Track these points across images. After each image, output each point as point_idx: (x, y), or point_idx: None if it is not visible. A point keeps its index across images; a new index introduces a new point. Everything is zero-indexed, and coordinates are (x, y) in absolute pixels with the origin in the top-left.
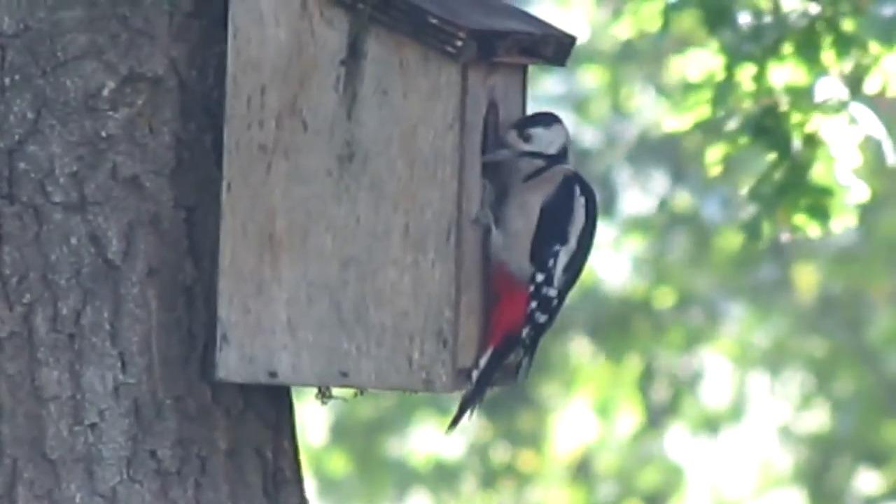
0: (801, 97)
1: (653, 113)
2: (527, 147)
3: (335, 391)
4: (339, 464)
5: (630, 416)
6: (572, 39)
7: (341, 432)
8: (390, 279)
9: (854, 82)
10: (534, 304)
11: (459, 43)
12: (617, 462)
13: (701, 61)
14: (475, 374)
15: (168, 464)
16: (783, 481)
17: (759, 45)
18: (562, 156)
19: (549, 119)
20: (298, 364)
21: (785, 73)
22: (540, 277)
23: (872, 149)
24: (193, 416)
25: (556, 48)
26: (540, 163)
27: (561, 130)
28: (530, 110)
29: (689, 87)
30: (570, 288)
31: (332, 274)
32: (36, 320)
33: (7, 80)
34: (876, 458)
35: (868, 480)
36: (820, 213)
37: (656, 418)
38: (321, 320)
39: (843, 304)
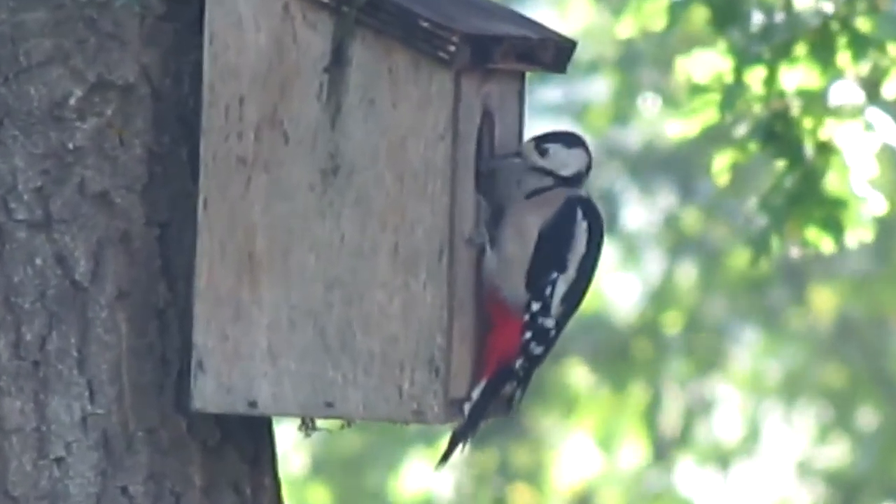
0: (815, 101)
1: (658, 121)
2: (540, 162)
3: (319, 422)
4: (320, 498)
5: (635, 449)
6: (573, 44)
7: (324, 464)
8: (378, 302)
9: (871, 86)
10: (528, 335)
11: (452, 48)
12: (621, 499)
13: (708, 63)
14: (467, 406)
15: (140, 501)
16: None
17: (770, 45)
18: (575, 181)
19: (572, 139)
20: (280, 393)
21: (797, 75)
22: (536, 307)
23: (890, 157)
24: (167, 450)
25: (555, 53)
26: (548, 182)
27: (581, 155)
28: (528, 119)
29: (695, 90)
30: (568, 318)
31: (315, 297)
32: None
33: None
34: None
35: None
36: (833, 226)
37: (663, 451)
38: (304, 346)
39: (863, 329)
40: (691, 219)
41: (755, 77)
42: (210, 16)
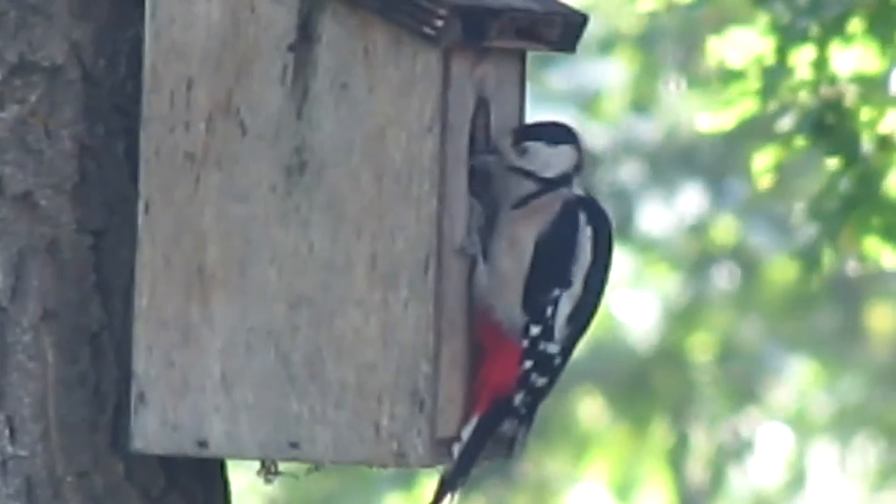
0: (873, 88)
1: (683, 110)
2: (518, 162)
3: (282, 466)
4: None
5: (658, 498)
6: (583, 19)
7: None
8: (352, 324)
9: None
10: (529, 364)
11: (440, 22)
12: None
13: (745, 43)
14: (457, 448)
15: None
16: None
17: (819, 21)
18: (560, 184)
19: (557, 134)
20: (235, 431)
21: (852, 57)
22: (535, 330)
23: None
24: (101, 498)
25: (562, 29)
26: (530, 186)
27: (568, 153)
28: (530, 107)
29: (729, 76)
30: (576, 343)
31: (277, 317)
32: None
33: None
34: None
35: None
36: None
37: (693, 500)
38: (264, 375)
39: None
40: (723, 224)
41: (802, 59)
42: None
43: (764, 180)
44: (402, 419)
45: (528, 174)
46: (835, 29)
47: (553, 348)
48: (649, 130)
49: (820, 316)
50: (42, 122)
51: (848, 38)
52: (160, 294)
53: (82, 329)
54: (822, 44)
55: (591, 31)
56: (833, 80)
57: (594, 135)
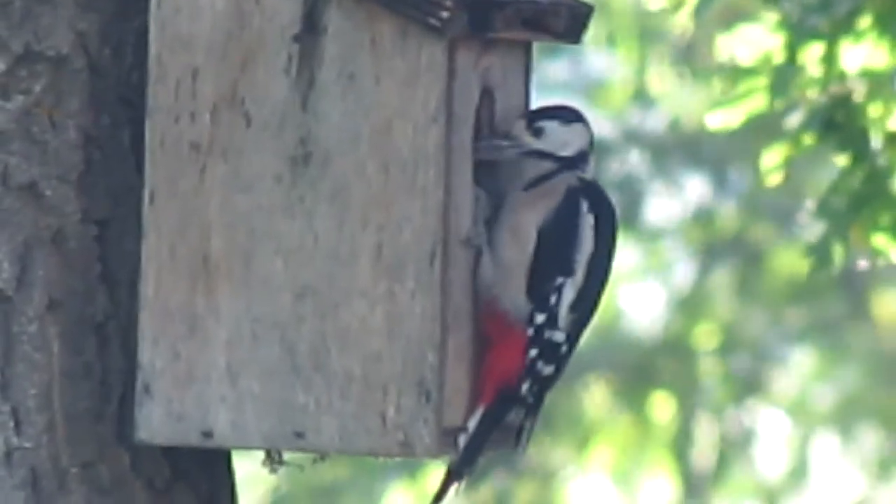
0: (882, 85)
1: (686, 100)
2: (535, 144)
3: (287, 456)
4: None
5: (661, 487)
6: (589, 9)
7: (290, 500)
8: (358, 314)
9: None
10: (534, 352)
11: (445, 14)
12: None
13: (754, 39)
14: (462, 439)
15: None
16: None
17: (829, 17)
18: (578, 162)
19: (569, 114)
20: (240, 421)
21: (861, 53)
22: (540, 318)
23: None
24: (107, 489)
25: (568, 20)
26: (549, 166)
27: (582, 131)
28: (535, 98)
29: (739, 73)
30: (582, 330)
31: (283, 308)
32: None
33: None
34: None
35: None
36: None
37: (696, 489)
38: (270, 366)
39: None
40: (727, 214)
41: (811, 56)
42: None
43: (773, 178)
44: (409, 410)
45: (546, 155)
46: (844, 26)
47: (558, 336)
48: (653, 121)
49: (824, 305)
50: (47, 112)
51: (857, 35)
52: (165, 285)
53: (87, 319)
54: (831, 41)
55: (595, 21)
56: (842, 77)
57: (599, 125)
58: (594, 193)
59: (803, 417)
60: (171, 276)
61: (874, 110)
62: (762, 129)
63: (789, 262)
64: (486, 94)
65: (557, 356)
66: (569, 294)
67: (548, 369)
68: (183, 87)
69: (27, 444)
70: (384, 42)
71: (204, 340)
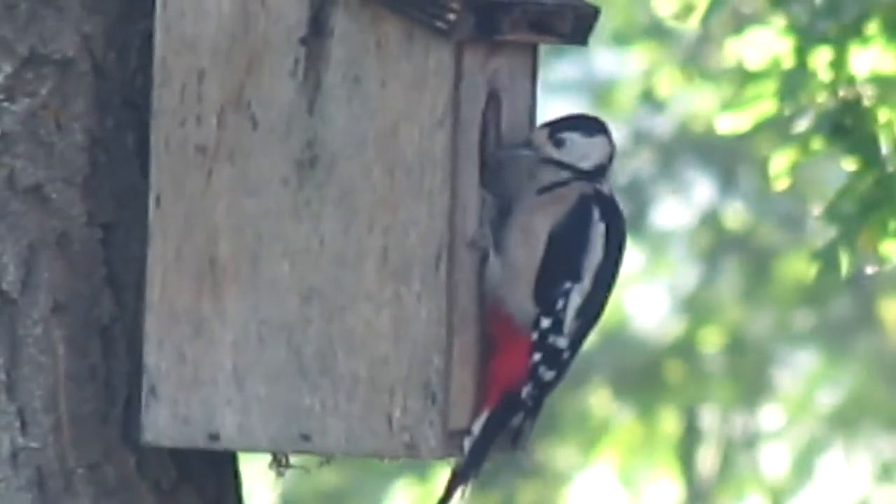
0: (891, 89)
1: (694, 103)
2: (556, 154)
3: (294, 458)
4: None
5: (667, 488)
6: (595, 11)
7: (296, 502)
8: (364, 317)
9: None
10: (538, 357)
11: (452, 16)
12: None
13: (763, 44)
14: (468, 442)
15: None
16: None
17: (838, 22)
18: (596, 175)
19: (592, 126)
20: (247, 424)
21: (870, 57)
22: (546, 323)
23: None
24: (113, 490)
25: (574, 22)
26: (566, 175)
27: (604, 144)
28: (542, 100)
29: (747, 77)
30: (584, 337)
31: (290, 310)
32: None
33: None
34: None
35: None
36: None
37: (701, 491)
38: (276, 369)
39: None
40: (734, 216)
41: (820, 60)
42: None
43: (781, 182)
44: (414, 412)
45: (566, 166)
46: (853, 30)
47: (562, 342)
48: (661, 123)
49: (830, 308)
50: (53, 115)
51: (866, 40)
52: (171, 287)
53: (93, 322)
54: (840, 45)
55: (603, 22)
56: (851, 81)
57: None
58: (606, 202)
59: (808, 420)
60: (177, 279)
61: (883, 115)
62: (771, 132)
63: (796, 265)
64: (493, 97)
65: (559, 362)
66: (575, 300)
67: (549, 374)
68: (188, 90)
69: (33, 445)
70: (390, 45)
71: (210, 343)
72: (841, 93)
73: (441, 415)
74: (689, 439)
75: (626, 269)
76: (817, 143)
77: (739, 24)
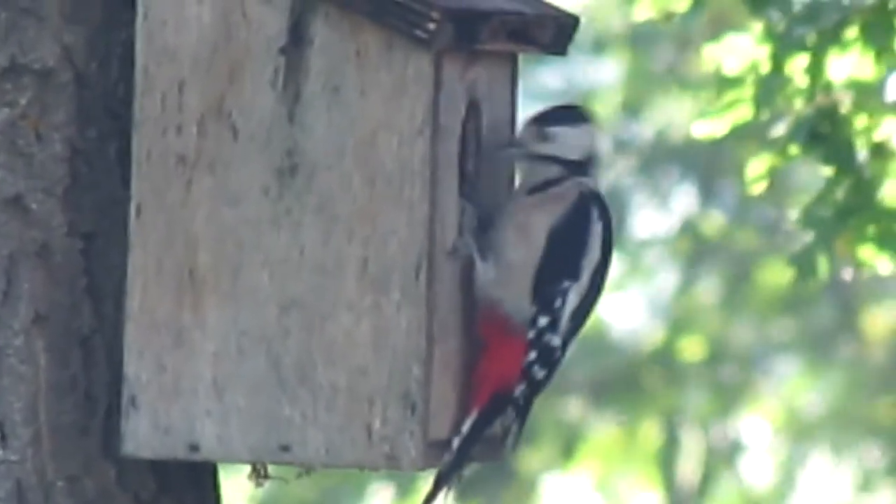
0: (868, 96)
1: (675, 111)
2: (544, 149)
3: (273, 469)
4: None
5: (646, 498)
6: (575, 21)
7: None
8: (344, 327)
9: None
10: (533, 355)
11: (431, 25)
12: None
13: (740, 49)
14: (456, 441)
15: None
16: None
17: (815, 28)
18: (585, 165)
19: (577, 116)
20: (226, 435)
21: (847, 64)
22: (543, 321)
23: None
24: (93, 502)
25: (554, 32)
26: (556, 170)
27: (590, 132)
28: (522, 108)
29: (725, 83)
30: (574, 337)
31: (269, 320)
32: None
33: None
34: None
35: None
36: (892, 242)
37: (681, 501)
38: (256, 379)
39: None
40: (714, 224)
41: (797, 66)
42: None
43: (758, 187)
44: (394, 422)
45: (554, 159)
46: (830, 37)
47: (556, 341)
48: (641, 131)
49: (811, 317)
50: (33, 125)
51: (843, 46)
52: (152, 297)
53: (73, 333)
54: (817, 51)
55: (583, 31)
56: (828, 88)
57: None
58: (602, 203)
59: (790, 429)
60: (158, 289)
61: (860, 121)
62: (750, 141)
63: (776, 273)
64: (473, 106)
65: (551, 361)
66: (573, 299)
67: (542, 373)
68: (169, 100)
69: (13, 457)
70: (370, 54)
71: (190, 353)
72: (818, 99)
73: (421, 425)
74: (670, 449)
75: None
76: (794, 149)
77: (718, 30)
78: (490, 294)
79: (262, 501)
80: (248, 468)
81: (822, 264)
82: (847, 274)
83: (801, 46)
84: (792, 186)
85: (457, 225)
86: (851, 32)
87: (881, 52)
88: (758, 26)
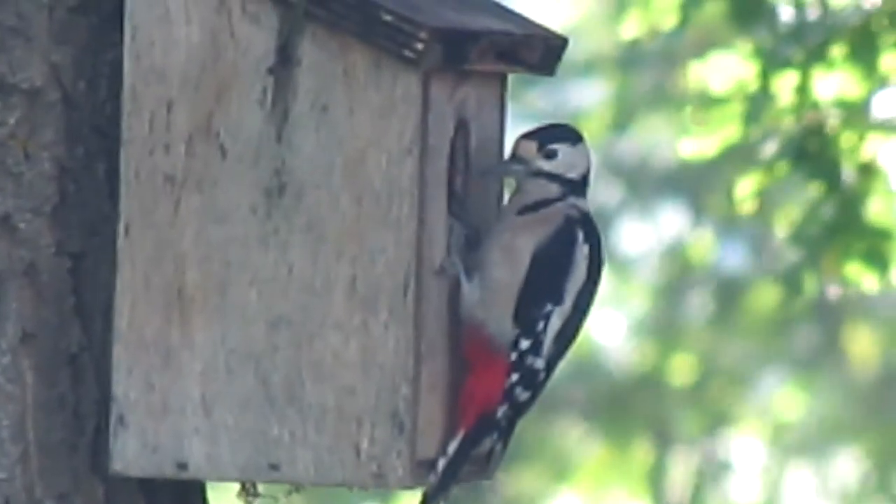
0: (855, 114)
1: (662, 131)
2: (547, 166)
3: (262, 487)
4: None
5: None
6: (563, 41)
7: None
8: (332, 346)
9: None
10: (515, 377)
11: (420, 45)
12: None
13: (728, 68)
14: (442, 462)
15: None
16: None
17: (802, 47)
18: (581, 184)
19: (574, 135)
20: (215, 454)
21: (834, 83)
22: (525, 344)
23: None
24: None
25: (542, 52)
26: (555, 189)
27: (585, 151)
28: (510, 129)
29: (712, 102)
30: (559, 360)
31: (257, 339)
32: None
33: None
34: None
35: None
36: (878, 260)
37: None
38: (244, 398)
39: None
40: (702, 245)
41: (784, 85)
42: (132, 7)
43: (747, 206)
44: (382, 441)
45: (555, 178)
46: (817, 55)
47: (539, 363)
48: (629, 151)
49: (799, 336)
50: (21, 144)
51: (830, 64)
52: (140, 316)
53: (61, 351)
54: (804, 70)
55: (571, 52)
56: (815, 106)
57: None
58: (589, 225)
59: (778, 449)
60: (146, 308)
61: (847, 139)
62: (739, 160)
63: (764, 293)
64: (461, 126)
65: (535, 383)
66: (556, 323)
67: (525, 395)
68: (157, 119)
69: (1, 476)
70: (358, 73)
71: (178, 372)
72: (805, 118)
73: (409, 444)
74: (659, 468)
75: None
76: (782, 168)
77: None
78: (475, 315)
79: None
80: (236, 486)
81: (809, 282)
82: (834, 292)
83: (788, 65)
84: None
85: (445, 244)
86: (838, 51)
87: (867, 70)
88: (744, 45)
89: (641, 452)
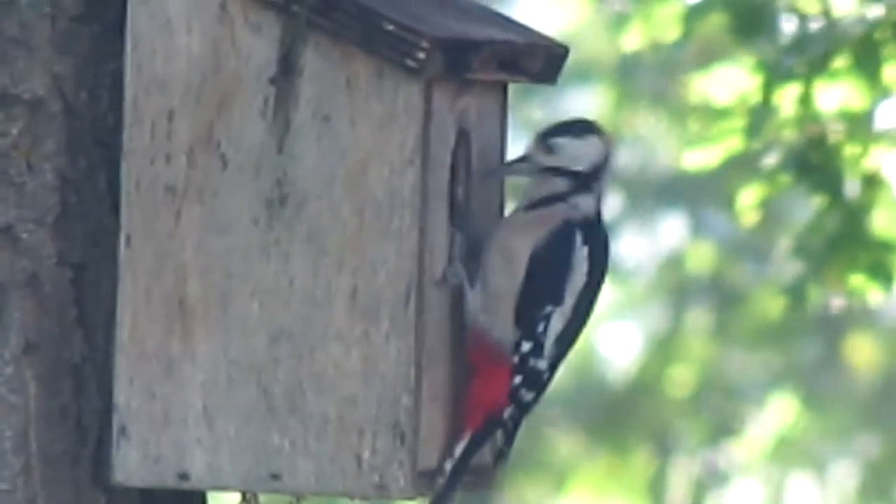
0: (858, 125)
1: (662, 140)
2: (549, 161)
3: (264, 498)
4: None
5: None
6: (565, 51)
7: None
8: (333, 357)
9: None
10: (518, 379)
11: (422, 55)
12: None
13: (730, 80)
14: (449, 464)
15: None
16: None
17: (805, 58)
18: (592, 177)
19: (583, 127)
20: (217, 464)
21: (837, 94)
22: (526, 346)
23: None
24: None
25: (544, 62)
26: (563, 183)
27: (597, 144)
28: (511, 138)
29: (715, 113)
30: (561, 361)
31: (259, 350)
32: None
33: None
34: None
35: None
36: (881, 272)
37: None
38: (246, 408)
39: None
40: (703, 255)
41: (787, 97)
42: (133, 17)
43: (749, 218)
44: (384, 452)
45: (559, 171)
46: (819, 67)
47: (542, 364)
48: (628, 160)
49: (800, 348)
50: (24, 155)
51: (832, 76)
52: (141, 327)
53: (64, 362)
54: (806, 81)
55: (571, 60)
56: (817, 118)
57: None
58: (591, 227)
59: (779, 460)
60: (147, 319)
61: (850, 150)
62: (740, 171)
63: (765, 304)
64: (463, 136)
65: (539, 384)
66: (557, 324)
67: (529, 396)
68: (158, 130)
69: (4, 487)
70: (360, 83)
71: (180, 382)
72: (808, 129)
73: (410, 454)
74: (659, 480)
75: (596, 307)
76: (784, 179)
77: (707, 60)
78: (478, 320)
79: None
80: (237, 496)
81: (813, 293)
82: (837, 304)
83: (790, 77)
84: (782, 218)
85: (446, 254)
86: (840, 62)
87: (869, 82)
88: (746, 57)
89: (642, 462)
